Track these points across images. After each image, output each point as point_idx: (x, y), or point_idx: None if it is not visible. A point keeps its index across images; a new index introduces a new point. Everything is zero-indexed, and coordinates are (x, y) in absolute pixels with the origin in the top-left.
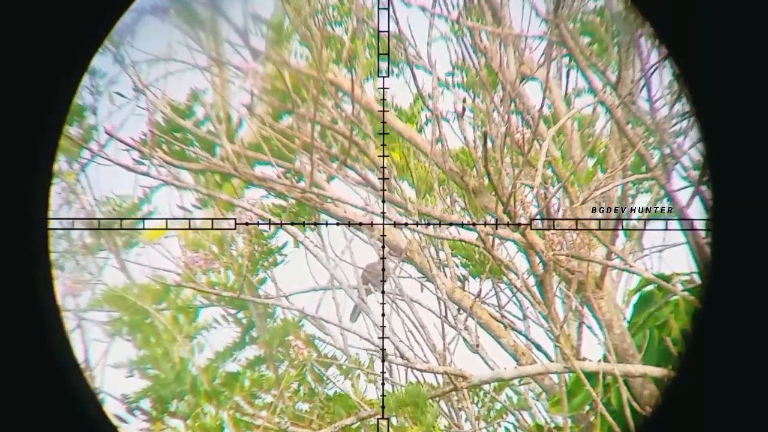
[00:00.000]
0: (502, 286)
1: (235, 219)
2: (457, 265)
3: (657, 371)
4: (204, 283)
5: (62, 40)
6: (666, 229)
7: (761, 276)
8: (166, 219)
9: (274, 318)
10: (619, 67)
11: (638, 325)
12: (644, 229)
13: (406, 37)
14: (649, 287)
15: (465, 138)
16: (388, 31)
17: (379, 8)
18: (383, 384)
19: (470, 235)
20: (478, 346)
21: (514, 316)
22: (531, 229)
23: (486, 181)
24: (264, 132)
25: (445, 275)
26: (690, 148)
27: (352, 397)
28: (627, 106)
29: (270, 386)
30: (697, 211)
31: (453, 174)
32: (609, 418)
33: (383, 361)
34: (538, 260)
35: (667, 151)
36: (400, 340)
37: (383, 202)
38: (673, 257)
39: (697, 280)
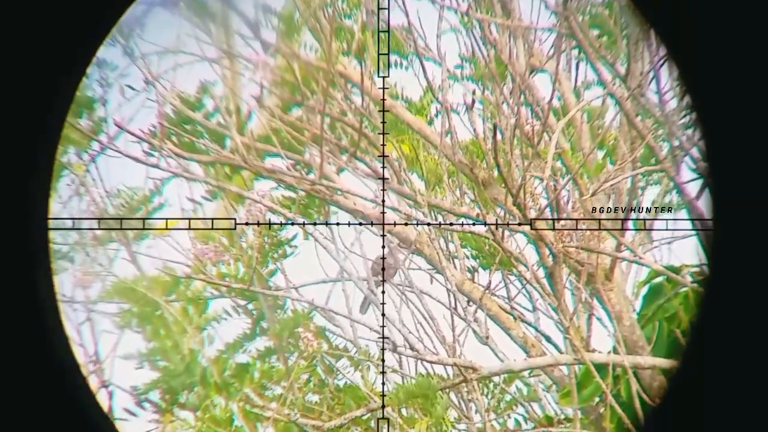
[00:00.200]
0: (512, 277)
1: (234, 219)
2: (467, 257)
3: (666, 363)
4: (214, 274)
5: (62, 40)
6: (675, 220)
7: (762, 270)
8: (166, 219)
9: (285, 309)
10: (628, 60)
11: (647, 316)
12: (654, 223)
13: (415, 29)
14: (659, 279)
15: (474, 130)
16: (388, 31)
17: (379, 8)
18: (383, 373)
19: (479, 227)
20: (487, 337)
21: (524, 307)
22: (532, 229)
23: (495, 173)
24: (273, 124)
25: (455, 267)
26: (699, 140)
27: (361, 388)
28: (636, 99)
29: (280, 378)
30: (706, 203)
31: (462, 166)
32: (618, 410)
33: (383, 350)
34: (547, 252)
35: (676, 143)
36: (410, 332)
37: (383, 202)
38: (682, 249)
39: (707, 271)
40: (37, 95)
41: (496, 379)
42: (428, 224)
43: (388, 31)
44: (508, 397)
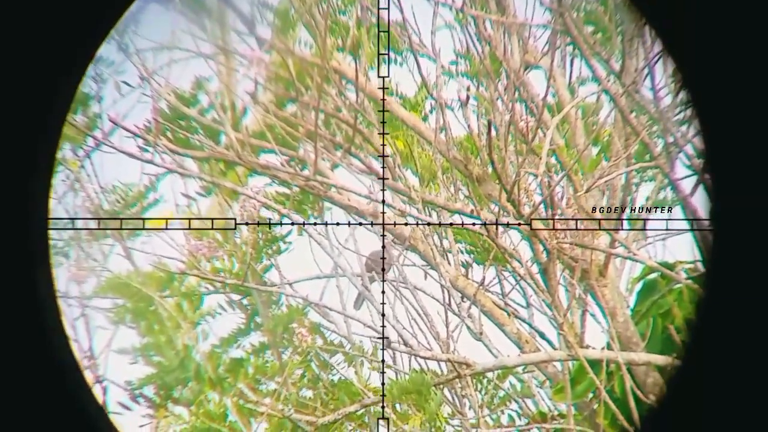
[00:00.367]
0: (506, 273)
1: (234, 219)
2: (461, 251)
3: (660, 359)
4: (208, 270)
5: (62, 39)
6: (670, 219)
7: (761, 268)
8: (167, 219)
9: (279, 305)
10: (622, 56)
11: (641, 313)
12: (647, 221)
13: (410, 26)
14: (653, 275)
15: (469, 126)
16: (388, 31)
17: (379, 8)
18: (383, 372)
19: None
20: (481, 333)
21: (518, 303)
22: (531, 229)
23: (490, 170)
24: (268, 120)
25: (449, 263)
26: (694, 137)
27: (355, 384)
28: (631, 95)
29: (274, 373)
30: (700, 200)
31: (457, 162)
32: (612, 406)
33: (384, 348)
34: (541, 248)
35: (671, 139)
36: (404, 328)
37: (383, 202)
38: (676, 245)
39: (701, 268)
40: (37, 95)
41: (489, 375)
42: (428, 224)
43: (388, 31)
44: (501, 393)
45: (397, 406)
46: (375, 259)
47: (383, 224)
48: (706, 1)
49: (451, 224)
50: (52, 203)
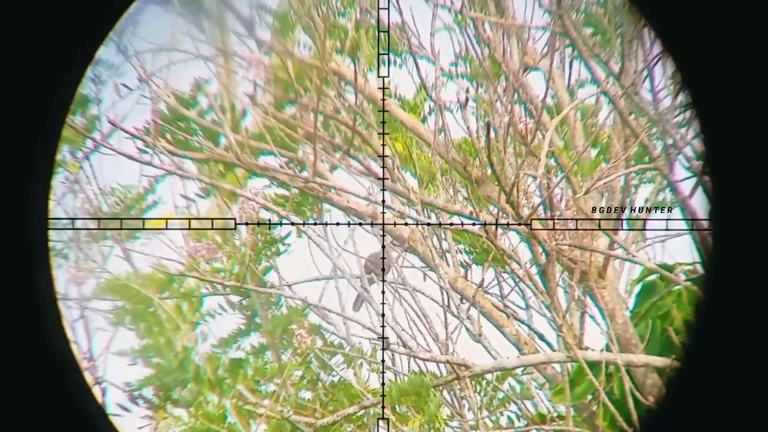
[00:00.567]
0: (505, 275)
1: (234, 219)
2: (460, 252)
3: (659, 361)
4: (208, 271)
5: (62, 39)
6: (669, 219)
7: (762, 268)
8: (167, 219)
9: (279, 306)
10: (621, 58)
11: (641, 314)
12: (646, 220)
13: (409, 28)
14: (652, 277)
15: (468, 128)
16: (388, 31)
17: (379, 8)
18: (383, 373)
19: (475, 227)
20: (480, 335)
21: (517, 305)
22: (531, 229)
23: (489, 171)
24: (267, 122)
25: (448, 265)
26: (693, 139)
27: (354, 385)
28: (630, 97)
29: (273, 375)
30: (699, 202)
31: (456, 164)
32: (611, 408)
33: (384, 349)
34: (540, 250)
35: (670, 141)
36: (403, 329)
37: (383, 202)
38: (675, 247)
39: (700, 269)
40: (37, 95)
41: (488, 376)
42: (428, 224)
43: (388, 32)
44: (500, 395)
45: (396, 407)
46: (374, 261)
47: (383, 224)
48: (706, 2)
49: (451, 224)
50: (52, 205)
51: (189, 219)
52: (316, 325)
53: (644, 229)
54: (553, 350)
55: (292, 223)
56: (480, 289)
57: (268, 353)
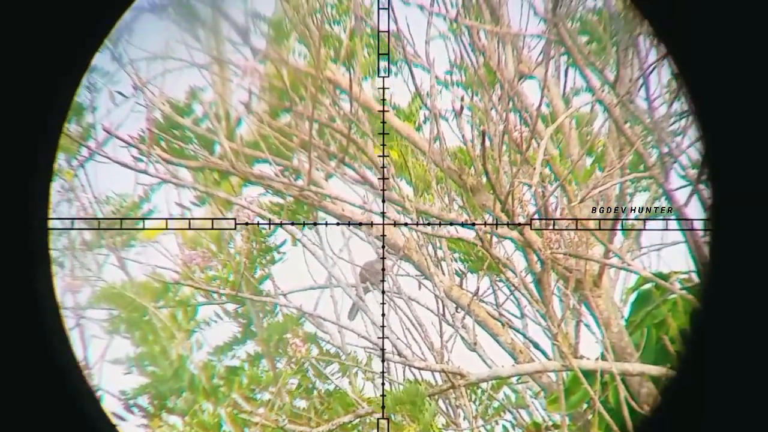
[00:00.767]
0: (500, 284)
1: (235, 219)
2: (455, 260)
3: (654, 370)
4: (203, 279)
5: (62, 39)
6: (665, 229)
7: (761, 274)
8: (167, 219)
9: (275, 314)
10: (617, 66)
11: (636, 323)
12: (643, 229)
13: (404, 36)
14: (647, 285)
15: (463, 136)
16: (388, 31)
17: (379, 8)
18: (383, 384)
19: (468, 234)
20: (475, 344)
21: (512, 314)
22: (531, 229)
23: (484, 180)
24: (262, 130)
25: (443, 273)
26: (688, 147)
27: (349, 394)
28: (625, 105)
29: (268, 383)
30: (695, 210)
31: (451, 172)
32: (606, 417)
33: (383, 361)
34: (535, 258)
35: (666, 149)
36: (398, 338)
37: (383, 202)
38: (671, 256)
39: (696, 278)
40: (37, 96)
41: (484, 385)
42: (429, 224)
43: (388, 32)
44: (495, 404)
45: (392, 416)
46: (369, 269)
47: (383, 224)
48: (709, 4)
49: (450, 223)
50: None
51: (189, 219)
52: (311, 334)
53: (642, 229)
54: (549, 359)
55: (293, 223)
56: (475, 297)
57: (263, 362)
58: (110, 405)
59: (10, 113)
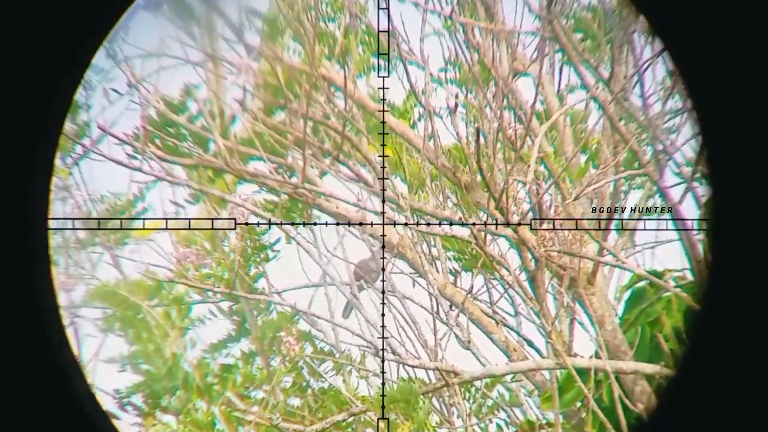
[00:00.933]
0: (494, 282)
1: (235, 219)
2: (449, 258)
3: (648, 368)
4: (197, 276)
5: (62, 39)
6: (658, 230)
7: (760, 272)
8: (166, 219)
9: (269, 312)
10: (611, 64)
11: (630, 321)
12: (636, 229)
13: (399, 33)
14: (641, 283)
15: (457, 134)
16: (388, 31)
17: (379, 8)
18: (383, 384)
19: (462, 231)
20: (469, 342)
21: (506, 312)
22: (531, 229)
23: (478, 177)
24: (257, 127)
25: (437, 271)
26: (683, 145)
27: (344, 393)
28: (620, 102)
29: (262, 382)
30: (689, 208)
31: (445, 170)
32: (600, 415)
33: (383, 361)
34: (530, 256)
35: (660, 147)
36: (391, 336)
37: (383, 202)
38: (665, 254)
39: (690, 276)
40: (37, 95)
41: (477, 383)
42: (428, 224)
43: (388, 32)
44: (489, 402)
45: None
46: (363, 267)
47: (383, 224)
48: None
49: (451, 223)
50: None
51: (189, 219)
52: (305, 332)
53: (636, 229)
54: (542, 357)
55: (293, 223)
56: (469, 295)
57: (258, 360)
58: (104, 404)
59: (10, 113)
